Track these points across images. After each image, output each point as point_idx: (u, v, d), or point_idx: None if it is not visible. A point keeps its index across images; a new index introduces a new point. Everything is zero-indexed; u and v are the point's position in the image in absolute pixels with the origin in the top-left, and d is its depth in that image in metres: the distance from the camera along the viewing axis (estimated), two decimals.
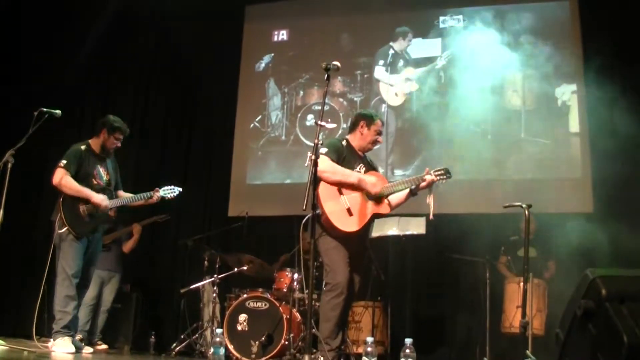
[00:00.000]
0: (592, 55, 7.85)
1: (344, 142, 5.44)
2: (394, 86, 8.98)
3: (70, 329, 5.91)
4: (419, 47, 9.02)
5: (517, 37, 8.31)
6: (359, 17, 9.25)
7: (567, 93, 8.29)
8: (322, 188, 5.14)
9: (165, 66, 9.94)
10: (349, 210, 5.13)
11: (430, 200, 5.26)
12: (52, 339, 5.92)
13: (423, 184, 5.27)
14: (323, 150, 5.11)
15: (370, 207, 5.20)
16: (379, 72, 9.13)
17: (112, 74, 10.04)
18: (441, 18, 8.82)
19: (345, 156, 5.32)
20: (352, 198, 5.19)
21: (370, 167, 5.49)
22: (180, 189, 6.57)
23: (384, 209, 5.27)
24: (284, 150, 9.36)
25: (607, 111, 7.47)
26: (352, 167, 5.28)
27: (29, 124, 5.77)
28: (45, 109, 5.86)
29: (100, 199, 6.12)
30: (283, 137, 9.42)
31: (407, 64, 9.01)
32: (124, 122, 6.43)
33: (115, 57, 9.98)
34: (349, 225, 5.09)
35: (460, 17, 8.73)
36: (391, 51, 9.10)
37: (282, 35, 9.73)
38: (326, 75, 4.79)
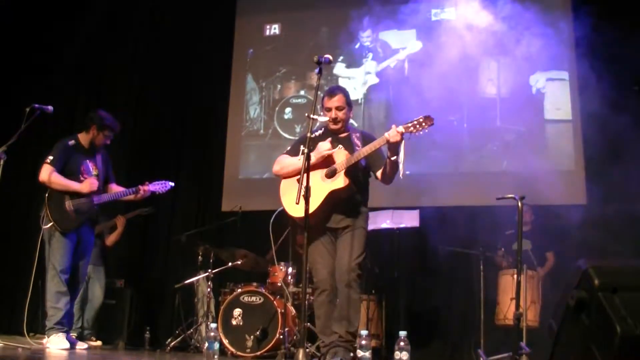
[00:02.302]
0: (582, 42, 7.81)
1: (318, 132, 5.28)
2: (352, 80, 8.97)
3: (63, 325, 5.91)
4: (392, 38, 8.98)
5: (501, 23, 8.21)
6: (341, 11, 9.15)
7: (542, 80, 8.35)
8: (282, 183, 5.19)
9: (157, 60, 9.90)
10: (303, 196, 4.85)
11: (400, 155, 4.81)
12: (46, 336, 5.92)
13: (394, 139, 4.72)
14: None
15: (326, 186, 4.94)
16: (338, 67, 9.12)
17: (105, 69, 10.00)
18: (433, 11, 8.79)
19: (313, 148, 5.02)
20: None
21: (351, 145, 5.07)
22: (172, 184, 6.52)
23: (337, 182, 4.90)
24: (263, 144, 9.37)
25: (599, 101, 7.47)
26: None
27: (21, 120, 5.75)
28: (37, 105, 5.82)
29: (81, 186, 6.07)
30: (262, 131, 9.43)
31: (373, 56, 9.00)
32: (115, 119, 6.39)
33: (106, 52, 9.94)
34: (301, 211, 4.74)
35: (440, 9, 8.71)
36: (357, 44, 9.07)
37: (274, 29, 9.71)
38: (318, 69, 4.71)
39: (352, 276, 4.87)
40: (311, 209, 4.79)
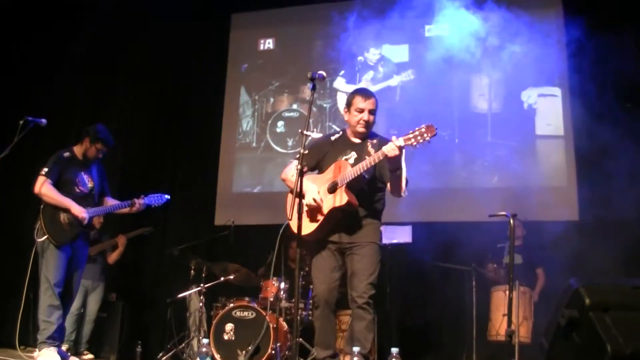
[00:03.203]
0: (574, 58, 7.85)
1: (335, 136, 5.13)
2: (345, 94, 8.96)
3: (55, 339, 5.85)
4: (390, 54, 9.04)
5: (493, 39, 8.22)
6: (335, 26, 9.16)
7: (534, 96, 8.40)
8: (289, 195, 5.03)
9: (152, 75, 9.92)
10: (307, 212, 4.82)
11: (403, 169, 4.66)
12: (37, 349, 5.88)
13: (392, 154, 4.49)
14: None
15: (327, 202, 4.78)
16: (339, 81, 9.17)
17: (98, 84, 10.00)
18: (427, 27, 8.82)
19: (328, 151, 5.04)
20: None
21: (362, 155, 4.85)
22: (168, 197, 6.45)
23: (338, 200, 4.71)
24: (255, 157, 9.39)
25: (590, 117, 7.50)
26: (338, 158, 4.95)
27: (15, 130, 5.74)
28: (30, 118, 5.80)
29: (79, 210, 6.00)
30: (254, 144, 9.45)
31: (372, 73, 9.03)
32: (110, 133, 6.35)
33: (101, 67, 9.94)
34: (306, 228, 4.72)
35: (437, 25, 8.72)
36: (358, 59, 9.11)
37: (268, 43, 9.75)
38: (312, 85, 4.54)
39: (364, 298, 4.73)
40: (312, 227, 4.80)
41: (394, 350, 4.08)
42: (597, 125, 7.28)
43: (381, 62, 9.03)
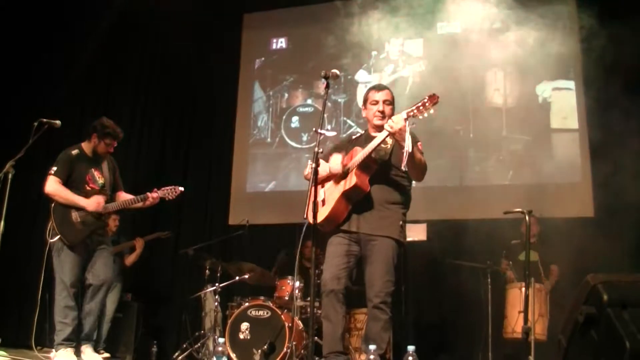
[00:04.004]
0: (589, 52, 7.79)
1: (357, 135, 5.12)
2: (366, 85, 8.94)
3: (72, 340, 5.85)
4: (404, 48, 9.02)
5: (507, 34, 8.12)
6: (348, 21, 9.12)
7: (548, 90, 8.36)
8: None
9: (163, 74, 9.96)
10: (323, 201, 4.82)
11: (407, 143, 4.42)
12: (54, 350, 5.89)
13: (396, 130, 4.41)
14: None
15: (339, 187, 4.75)
16: (361, 74, 9.18)
17: (111, 82, 10.05)
18: (439, 24, 8.80)
19: (347, 148, 4.97)
20: (327, 188, 4.92)
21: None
22: (182, 188, 6.32)
23: (349, 182, 4.65)
24: (270, 153, 9.42)
25: (605, 110, 7.45)
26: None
27: (29, 132, 5.74)
28: (44, 120, 5.79)
29: (90, 203, 5.99)
30: (269, 139, 9.48)
31: (386, 67, 9.03)
32: (117, 126, 6.27)
33: (113, 65, 10.00)
34: (320, 215, 4.66)
35: (457, 23, 8.70)
36: (372, 54, 9.11)
37: (280, 42, 9.76)
38: (325, 83, 4.57)
39: (380, 297, 4.64)
40: (325, 213, 4.73)
41: (410, 348, 4.05)
42: (611, 118, 7.22)
43: (395, 56, 9.01)
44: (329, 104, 9.09)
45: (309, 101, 9.45)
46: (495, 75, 8.53)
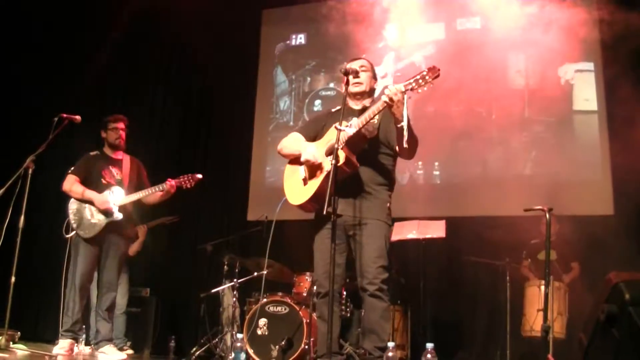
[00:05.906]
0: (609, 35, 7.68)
1: (336, 108, 4.70)
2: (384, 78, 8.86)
3: (74, 332, 6.09)
4: (427, 33, 8.93)
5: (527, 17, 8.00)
6: (367, 15, 8.90)
7: (571, 71, 8.28)
8: (286, 168, 4.83)
9: (182, 70, 10.01)
10: (304, 180, 4.59)
11: (405, 119, 4.15)
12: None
13: (397, 98, 4.13)
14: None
15: (325, 164, 4.45)
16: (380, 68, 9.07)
17: (130, 76, 10.10)
18: (458, 20, 8.76)
19: (326, 123, 4.75)
20: (310, 166, 4.60)
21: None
22: (200, 176, 6.38)
23: (336, 159, 4.14)
24: None
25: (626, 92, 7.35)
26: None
27: (49, 128, 5.80)
28: (65, 115, 5.86)
29: (101, 202, 6.16)
30: (291, 123, 9.51)
31: (410, 55, 8.94)
32: (115, 113, 6.63)
33: (132, 59, 10.04)
34: (303, 195, 4.50)
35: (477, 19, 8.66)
36: (391, 44, 9.00)
37: (300, 38, 9.76)
38: (345, 79, 4.45)
39: (376, 284, 4.39)
40: (309, 193, 4.51)
41: (429, 345, 4.05)
42: (631, 100, 7.10)
43: (418, 43, 8.91)
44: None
45: (332, 84, 9.47)
46: (517, 58, 8.46)
